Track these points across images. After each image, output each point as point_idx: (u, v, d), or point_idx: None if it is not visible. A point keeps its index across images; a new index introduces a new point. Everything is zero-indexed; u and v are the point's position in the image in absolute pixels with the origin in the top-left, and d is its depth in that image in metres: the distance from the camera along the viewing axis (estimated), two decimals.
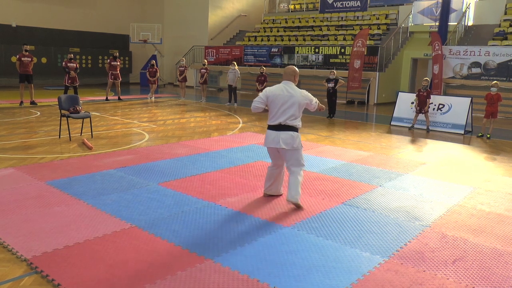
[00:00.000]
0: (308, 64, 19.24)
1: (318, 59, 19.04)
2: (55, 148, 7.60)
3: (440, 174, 6.58)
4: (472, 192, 5.71)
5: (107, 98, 15.59)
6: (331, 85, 12.84)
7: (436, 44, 14.95)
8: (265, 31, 23.70)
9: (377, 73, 17.61)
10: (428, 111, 11.04)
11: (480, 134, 10.44)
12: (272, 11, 26.06)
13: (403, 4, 19.83)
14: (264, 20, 25.37)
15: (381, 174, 6.45)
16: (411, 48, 19.00)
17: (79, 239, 3.84)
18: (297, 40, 21.33)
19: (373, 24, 20.42)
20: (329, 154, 7.75)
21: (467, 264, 3.63)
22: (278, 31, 23.06)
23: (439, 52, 14.94)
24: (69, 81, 14.01)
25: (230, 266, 3.42)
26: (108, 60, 15.81)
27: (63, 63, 14.40)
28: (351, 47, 17.24)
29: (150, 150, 7.63)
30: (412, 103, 11.68)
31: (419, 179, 6.25)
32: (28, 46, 13.59)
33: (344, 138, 9.57)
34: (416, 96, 11.17)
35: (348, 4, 21.56)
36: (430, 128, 11.13)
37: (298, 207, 4.82)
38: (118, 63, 15.74)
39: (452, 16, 16.83)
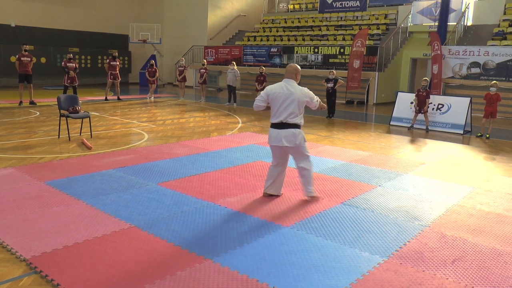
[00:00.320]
0: (308, 64, 19.23)
1: (317, 59, 19.04)
2: (54, 148, 7.60)
3: (439, 174, 6.58)
4: (472, 192, 5.72)
5: (106, 98, 15.57)
6: (330, 85, 12.84)
7: (436, 44, 14.95)
8: (264, 31, 23.70)
9: (377, 73, 17.61)
10: (427, 111, 11.04)
11: (480, 134, 10.44)
12: (271, 11, 26.06)
13: (403, 4, 19.83)
14: (263, 20, 25.36)
15: (380, 174, 6.45)
16: (411, 48, 19.00)
17: (78, 239, 3.83)
18: (296, 40, 21.33)
19: (373, 24, 20.42)
20: (329, 154, 7.75)
21: (466, 264, 3.63)
22: (277, 31, 23.06)
23: (438, 52, 14.95)
24: (69, 81, 14.00)
25: (229, 266, 3.42)
26: (108, 60, 15.79)
27: (63, 63, 14.41)
28: (350, 47, 17.26)
29: (149, 150, 7.63)
30: (412, 103, 11.68)
31: (419, 179, 6.26)
32: (28, 46, 13.56)
33: (344, 138, 9.58)
34: (416, 96, 11.17)
35: (347, 4, 21.56)
36: (430, 128, 11.13)
37: (316, 200, 5.11)
38: (118, 63, 15.72)
39: (452, 16, 16.84)
